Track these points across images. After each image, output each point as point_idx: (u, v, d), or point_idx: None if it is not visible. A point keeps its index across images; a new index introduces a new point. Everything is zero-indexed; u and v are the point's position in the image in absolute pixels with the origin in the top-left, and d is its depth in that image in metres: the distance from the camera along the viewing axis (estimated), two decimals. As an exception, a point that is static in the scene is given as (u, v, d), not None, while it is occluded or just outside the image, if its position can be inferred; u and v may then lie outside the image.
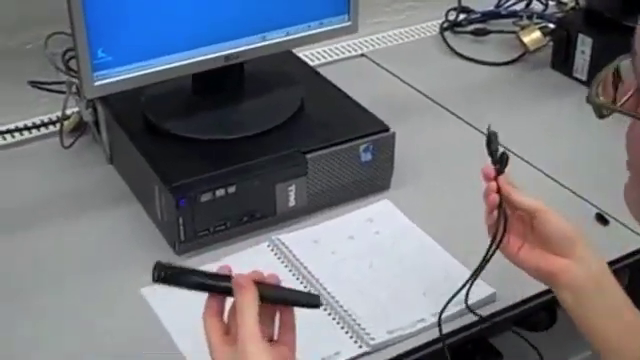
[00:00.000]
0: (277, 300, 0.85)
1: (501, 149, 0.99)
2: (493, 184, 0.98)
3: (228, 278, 0.84)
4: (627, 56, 0.72)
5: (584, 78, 1.59)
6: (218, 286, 0.84)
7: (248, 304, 0.81)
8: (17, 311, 1.08)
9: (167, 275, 0.85)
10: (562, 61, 1.64)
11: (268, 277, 0.85)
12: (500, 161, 0.99)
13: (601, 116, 0.73)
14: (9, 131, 1.43)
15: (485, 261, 0.99)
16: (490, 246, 0.98)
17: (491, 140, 0.99)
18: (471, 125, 1.49)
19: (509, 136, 1.46)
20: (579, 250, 0.95)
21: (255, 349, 0.79)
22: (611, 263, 1.18)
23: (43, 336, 1.05)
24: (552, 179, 1.35)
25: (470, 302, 1.08)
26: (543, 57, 1.67)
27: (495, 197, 0.97)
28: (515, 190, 0.98)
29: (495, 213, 0.97)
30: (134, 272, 1.14)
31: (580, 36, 1.59)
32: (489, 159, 1.00)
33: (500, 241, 0.97)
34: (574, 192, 1.32)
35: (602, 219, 1.25)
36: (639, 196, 0.72)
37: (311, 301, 0.86)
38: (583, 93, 0.74)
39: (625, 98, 0.68)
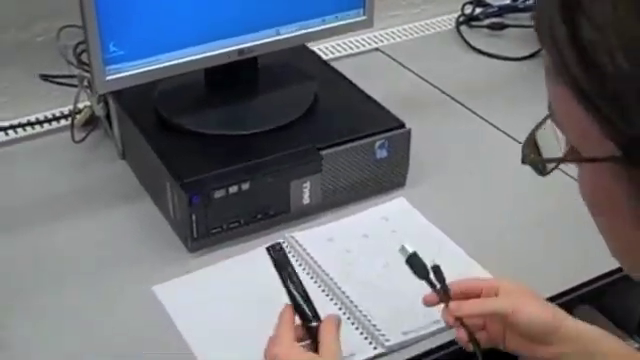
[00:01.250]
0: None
1: (429, 263, 0.96)
2: (453, 311, 0.95)
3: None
4: (541, 124, 0.71)
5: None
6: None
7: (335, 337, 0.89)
8: (28, 307, 1.07)
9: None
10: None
11: None
12: (444, 289, 0.95)
13: (541, 173, 0.71)
14: (20, 125, 1.42)
15: None
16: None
17: (437, 273, 0.96)
18: (487, 121, 1.47)
19: (527, 132, 1.44)
20: (561, 334, 0.92)
21: None
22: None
23: (54, 332, 1.04)
24: (571, 177, 1.32)
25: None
26: (562, 51, 1.64)
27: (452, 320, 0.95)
28: (472, 303, 0.95)
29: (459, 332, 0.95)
30: (146, 269, 1.13)
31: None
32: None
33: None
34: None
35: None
36: (618, 244, 0.66)
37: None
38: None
39: (567, 149, 0.65)
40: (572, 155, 0.62)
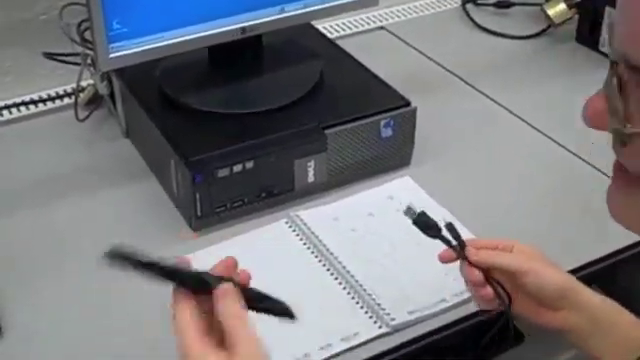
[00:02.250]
0: (258, 309, 0.78)
1: (442, 221, 0.93)
2: (470, 256, 0.92)
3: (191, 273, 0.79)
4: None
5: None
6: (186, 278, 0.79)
7: (240, 310, 0.75)
8: (31, 286, 1.07)
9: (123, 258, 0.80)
10: (588, 34, 1.60)
11: (241, 272, 0.80)
12: (461, 245, 0.92)
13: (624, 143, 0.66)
14: (24, 103, 1.41)
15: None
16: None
17: (451, 229, 0.93)
18: (493, 100, 1.46)
19: (533, 111, 1.44)
20: (570, 300, 0.91)
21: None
22: (638, 243, 1.16)
23: (58, 311, 1.04)
24: (577, 156, 1.32)
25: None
26: (568, 30, 1.63)
27: (476, 274, 0.92)
28: (489, 253, 0.93)
29: (482, 290, 0.92)
30: (149, 248, 1.11)
31: (607, 8, 1.54)
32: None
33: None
34: (600, 170, 1.28)
35: (629, 198, 1.22)
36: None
37: (287, 314, 0.79)
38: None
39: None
40: None
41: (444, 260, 0.94)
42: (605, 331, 0.91)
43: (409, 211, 0.93)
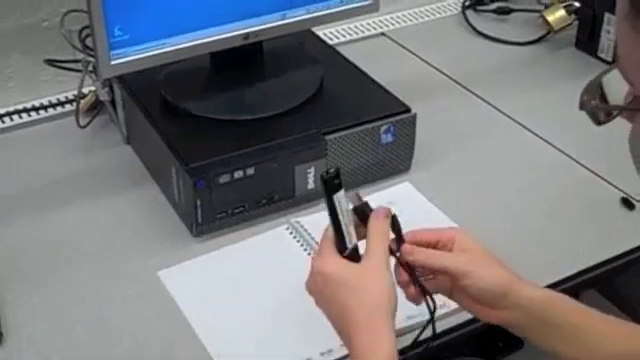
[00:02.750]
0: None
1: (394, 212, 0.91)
2: (405, 255, 0.91)
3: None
4: (609, 69, 0.70)
5: (609, 58, 1.56)
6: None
7: (383, 231, 0.86)
8: (32, 291, 1.07)
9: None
10: (587, 41, 1.60)
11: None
12: (398, 235, 0.91)
13: (598, 122, 0.70)
14: (25, 110, 1.42)
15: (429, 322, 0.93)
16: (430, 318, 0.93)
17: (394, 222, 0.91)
18: (493, 106, 1.46)
19: (532, 117, 1.45)
20: (511, 299, 0.89)
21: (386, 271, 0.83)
22: (637, 249, 1.16)
23: (59, 316, 1.04)
24: (577, 162, 1.32)
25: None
26: (567, 36, 1.64)
27: (403, 275, 0.91)
28: (426, 252, 0.92)
29: (409, 289, 0.91)
30: (151, 254, 1.13)
31: (606, 15, 1.55)
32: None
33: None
34: (599, 175, 1.29)
35: (628, 203, 1.23)
36: None
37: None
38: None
39: (630, 99, 0.65)
40: (635, 104, 0.63)
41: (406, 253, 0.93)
42: (548, 326, 0.89)
43: (355, 197, 0.90)
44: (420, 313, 1.03)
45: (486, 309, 0.91)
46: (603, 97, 0.70)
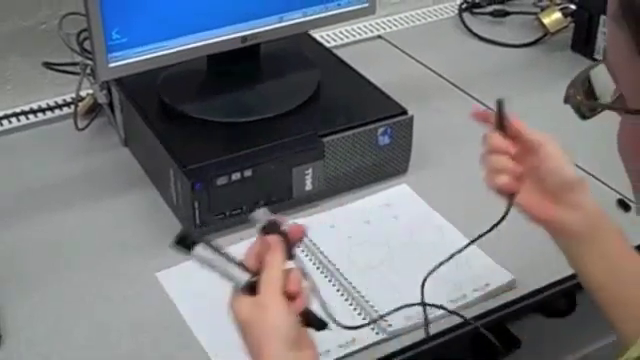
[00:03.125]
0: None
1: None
2: (496, 139, 0.94)
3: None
4: (597, 63, 0.71)
5: (605, 60, 1.56)
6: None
7: (277, 259, 0.81)
8: (31, 293, 1.08)
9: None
10: (583, 43, 1.61)
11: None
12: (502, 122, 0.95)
13: (583, 117, 0.71)
14: (23, 112, 1.42)
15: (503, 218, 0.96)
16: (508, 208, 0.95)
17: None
18: (490, 108, 1.46)
19: (529, 119, 1.44)
20: (576, 196, 0.90)
21: (278, 300, 0.79)
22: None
23: (58, 317, 1.05)
24: (574, 164, 1.33)
25: (489, 289, 1.07)
26: (563, 39, 1.65)
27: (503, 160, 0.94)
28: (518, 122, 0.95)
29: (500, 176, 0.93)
30: (149, 256, 1.14)
31: (602, 17, 1.56)
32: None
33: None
34: (595, 177, 1.30)
35: (624, 205, 1.23)
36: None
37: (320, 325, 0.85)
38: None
39: (615, 97, 0.66)
40: (619, 104, 0.63)
41: (477, 117, 0.99)
42: (602, 243, 0.91)
43: (263, 215, 0.86)
44: (417, 314, 1.03)
45: (546, 203, 0.91)
46: (590, 91, 0.71)
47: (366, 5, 1.34)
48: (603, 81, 0.70)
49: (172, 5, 1.18)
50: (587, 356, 1.28)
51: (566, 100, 0.71)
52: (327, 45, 1.55)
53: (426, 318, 1.02)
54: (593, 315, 1.00)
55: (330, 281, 1.09)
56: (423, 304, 1.02)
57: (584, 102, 0.70)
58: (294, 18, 1.28)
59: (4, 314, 1.04)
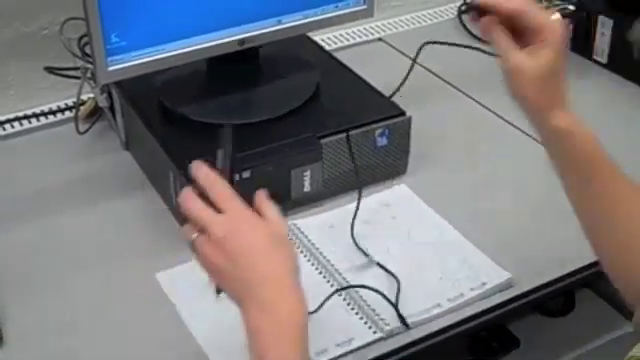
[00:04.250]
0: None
1: None
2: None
3: None
4: None
5: (604, 61, 1.57)
6: None
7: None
8: (32, 296, 1.09)
9: None
10: (582, 43, 1.61)
11: None
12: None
13: None
14: (26, 117, 1.43)
15: None
16: None
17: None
18: (489, 109, 1.47)
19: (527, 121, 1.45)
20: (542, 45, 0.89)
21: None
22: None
23: (59, 320, 1.05)
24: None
25: (487, 287, 1.08)
26: (563, 39, 1.65)
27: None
28: None
29: None
30: (149, 258, 1.15)
31: (600, 18, 1.56)
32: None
33: None
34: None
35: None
36: None
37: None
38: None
39: None
40: None
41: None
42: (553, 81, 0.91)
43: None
44: (417, 313, 1.04)
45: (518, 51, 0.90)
46: None
47: (364, 7, 1.35)
48: None
49: (171, 8, 1.18)
50: (585, 354, 1.29)
51: (631, 36, 0.69)
52: (328, 48, 1.56)
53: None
54: (591, 314, 1.01)
55: (328, 281, 1.09)
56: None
57: None
58: (292, 20, 1.29)
59: (5, 316, 1.05)
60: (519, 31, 0.91)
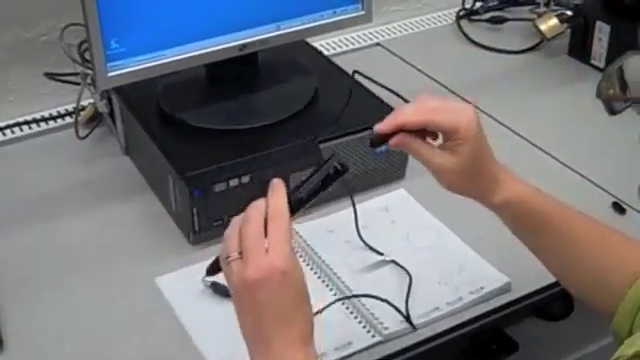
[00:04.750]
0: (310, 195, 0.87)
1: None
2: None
3: None
4: (633, 53, 0.71)
5: (602, 65, 1.58)
6: None
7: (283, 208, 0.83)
8: (32, 299, 1.09)
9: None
10: (579, 48, 1.62)
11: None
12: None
13: (613, 112, 0.71)
14: (26, 122, 1.44)
15: None
16: None
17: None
18: (488, 114, 1.48)
19: (525, 124, 1.46)
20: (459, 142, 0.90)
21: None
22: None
23: (58, 323, 1.06)
24: (569, 167, 1.34)
25: (485, 291, 1.08)
26: (560, 45, 1.66)
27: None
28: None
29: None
30: (148, 262, 1.15)
31: (598, 23, 1.57)
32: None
33: None
34: (591, 180, 1.31)
35: (619, 208, 1.24)
36: None
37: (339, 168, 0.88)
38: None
39: None
40: None
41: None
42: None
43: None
44: (415, 316, 1.04)
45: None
46: (623, 84, 0.71)
47: (362, 13, 1.35)
48: (636, 73, 0.70)
49: (170, 14, 1.19)
50: (584, 358, 1.29)
51: (598, 95, 0.71)
52: (327, 53, 1.56)
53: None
54: (590, 318, 1.01)
55: (327, 285, 1.10)
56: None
57: (619, 96, 0.70)
58: (291, 26, 1.29)
59: (5, 319, 1.05)
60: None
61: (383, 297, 1.06)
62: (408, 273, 1.10)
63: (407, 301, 1.06)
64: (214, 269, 0.88)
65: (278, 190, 0.84)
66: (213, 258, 0.89)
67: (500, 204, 0.94)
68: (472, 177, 0.93)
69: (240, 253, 0.80)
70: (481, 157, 0.92)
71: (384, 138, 0.92)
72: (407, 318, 1.03)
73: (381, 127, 0.92)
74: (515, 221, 0.95)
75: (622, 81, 0.72)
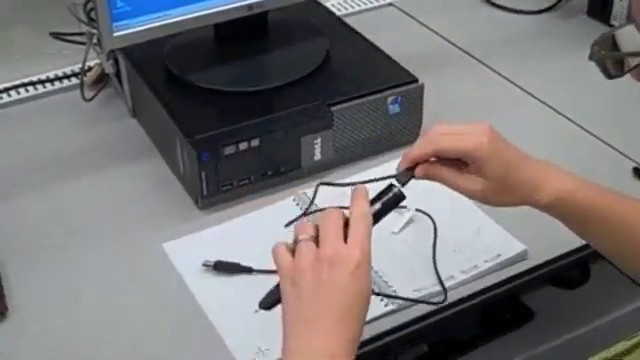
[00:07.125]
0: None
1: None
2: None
3: None
4: (624, 24, 0.69)
5: (622, 26, 1.53)
6: None
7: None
8: (37, 266, 1.07)
9: None
10: (599, 8, 1.58)
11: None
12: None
13: (609, 75, 0.69)
14: (31, 83, 1.41)
15: None
16: None
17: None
18: (502, 76, 1.44)
19: (543, 87, 1.43)
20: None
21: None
22: None
23: (64, 290, 1.04)
24: (588, 132, 1.31)
25: (501, 259, 1.06)
26: (579, 4, 1.61)
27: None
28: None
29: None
30: (156, 227, 1.13)
31: (618, -17, 1.53)
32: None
33: None
34: (611, 145, 1.27)
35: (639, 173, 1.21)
36: None
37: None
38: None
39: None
40: None
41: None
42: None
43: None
44: (424, 287, 1.02)
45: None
46: (615, 49, 0.69)
47: (376, -29, 1.31)
48: (629, 39, 0.68)
49: (177, -28, 1.16)
50: (601, 327, 1.27)
51: (590, 56, 0.69)
52: (338, 13, 1.52)
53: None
54: (607, 286, 0.98)
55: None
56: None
57: (609, 54, 0.68)
58: (302, -15, 1.26)
59: (10, 287, 1.04)
60: None
61: (397, 265, 1.03)
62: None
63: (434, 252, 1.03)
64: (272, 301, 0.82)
65: (362, 196, 0.82)
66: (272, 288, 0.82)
67: (547, 205, 0.91)
68: (507, 189, 0.90)
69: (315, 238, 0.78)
70: (509, 169, 0.89)
71: (410, 171, 0.92)
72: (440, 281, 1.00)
73: (400, 165, 0.92)
74: (564, 220, 0.93)
75: (614, 46, 0.70)
